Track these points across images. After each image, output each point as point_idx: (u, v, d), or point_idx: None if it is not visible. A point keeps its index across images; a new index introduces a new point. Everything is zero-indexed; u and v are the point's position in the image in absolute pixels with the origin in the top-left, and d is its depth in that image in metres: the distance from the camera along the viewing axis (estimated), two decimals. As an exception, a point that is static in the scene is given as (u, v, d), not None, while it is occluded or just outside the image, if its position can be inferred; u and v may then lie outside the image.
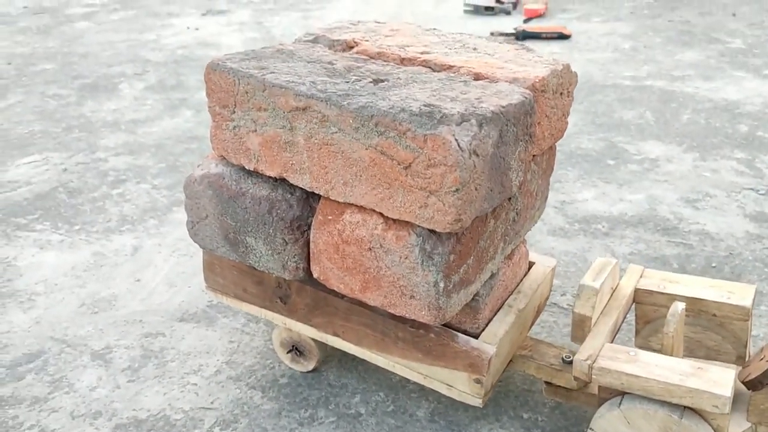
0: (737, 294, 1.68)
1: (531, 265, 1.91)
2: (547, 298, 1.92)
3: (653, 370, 1.44)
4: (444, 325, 1.66)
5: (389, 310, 1.50)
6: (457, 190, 1.31)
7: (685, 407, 1.43)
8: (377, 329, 1.71)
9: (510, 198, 1.62)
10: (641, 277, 1.79)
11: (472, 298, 1.62)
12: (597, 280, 1.63)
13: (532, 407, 1.82)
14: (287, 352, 1.94)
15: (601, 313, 1.65)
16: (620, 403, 1.47)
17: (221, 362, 2.00)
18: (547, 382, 1.74)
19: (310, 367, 1.93)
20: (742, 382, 1.51)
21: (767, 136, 3.34)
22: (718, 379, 1.40)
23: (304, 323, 1.81)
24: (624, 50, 4.79)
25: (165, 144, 3.45)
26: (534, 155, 1.66)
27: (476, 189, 1.37)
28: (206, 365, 2.00)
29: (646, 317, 1.76)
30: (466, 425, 1.77)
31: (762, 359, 1.51)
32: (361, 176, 1.43)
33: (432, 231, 1.42)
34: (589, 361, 1.48)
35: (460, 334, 1.64)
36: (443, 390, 1.68)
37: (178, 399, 1.88)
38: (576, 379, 1.48)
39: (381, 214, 1.46)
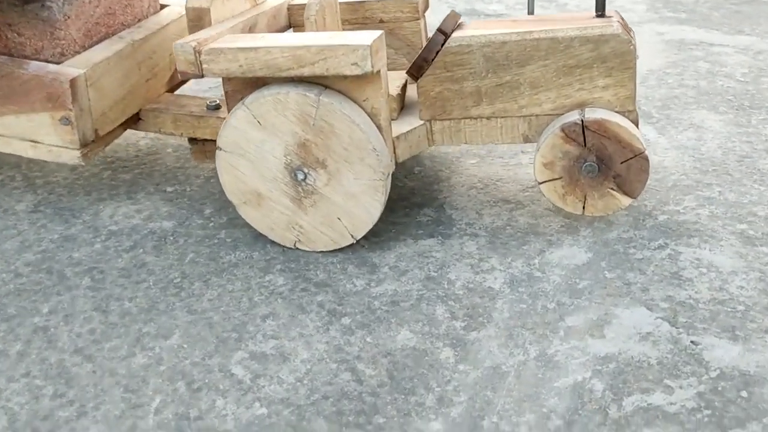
0: (405, -9, 1.39)
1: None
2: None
3: (280, 42, 1.08)
4: (13, 56, 1.18)
5: None
6: None
7: (325, 87, 1.10)
8: None
9: None
10: (298, -4, 1.44)
11: (43, 6, 1.16)
12: (218, -30, 1.25)
13: (182, 181, 1.40)
14: None
15: (235, 16, 1.28)
16: (245, 99, 1.11)
17: None
18: (191, 141, 1.34)
19: None
20: (407, 74, 1.22)
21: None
22: (359, 35, 1.08)
23: None
24: None
25: None
26: None
27: None
28: None
29: (308, 44, 1.42)
30: (84, 209, 1.31)
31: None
32: None
33: None
34: (195, 44, 1.09)
35: (30, 61, 1.16)
36: (29, 152, 1.20)
37: None
38: (183, 74, 1.08)
39: None
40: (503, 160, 1.44)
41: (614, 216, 1.21)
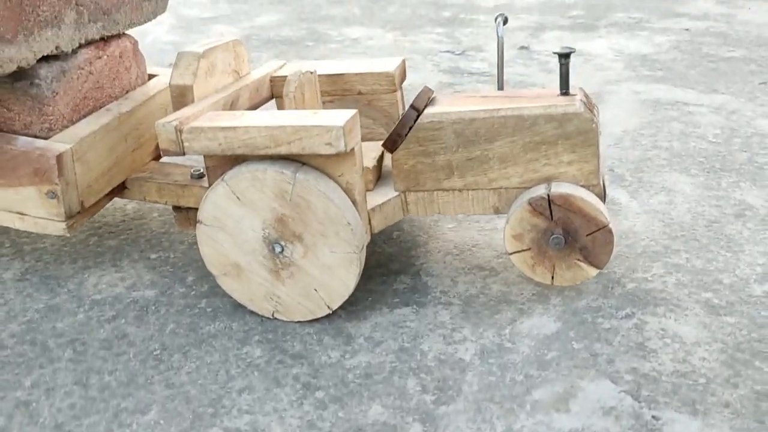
0: (382, 64, 1.44)
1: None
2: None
3: (258, 122, 1.13)
4: (2, 131, 1.21)
5: None
6: None
7: (302, 164, 1.14)
8: None
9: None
10: (281, 68, 1.49)
11: (32, 84, 1.20)
12: (201, 47, 1.29)
13: (166, 247, 1.44)
14: None
15: (217, 91, 1.32)
16: (225, 176, 1.14)
17: None
18: (176, 208, 1.37)
19: None
20: (382, 147, 1.26)
21: (468, 17, 3.31)
22: (333, 115, 1.12)
23: None
24: (341, -29, 4.65)
25: None
26: None
27: None
28: None
29: (290, 114, 1.47)
30: (69, 277, 1.34)
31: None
32: None
33: None
34: (176, 123, 1.13)
35: (18, 137, 1.20)
36: (15, 223, 1.23)
37: None
38: (165, 152, 1.12)
39: None
40: (479, 224, 1.48)
41: (584, 283, 1.25)
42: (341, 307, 1.20)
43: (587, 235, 1.14)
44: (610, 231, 1.13)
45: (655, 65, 2.52)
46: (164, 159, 1.60)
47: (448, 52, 2.75)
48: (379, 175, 1.29)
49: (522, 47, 2.79)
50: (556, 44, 2.86)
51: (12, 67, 1.12)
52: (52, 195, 1.18)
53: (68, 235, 1.21)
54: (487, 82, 2.40)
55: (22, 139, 1.18)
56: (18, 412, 1.01)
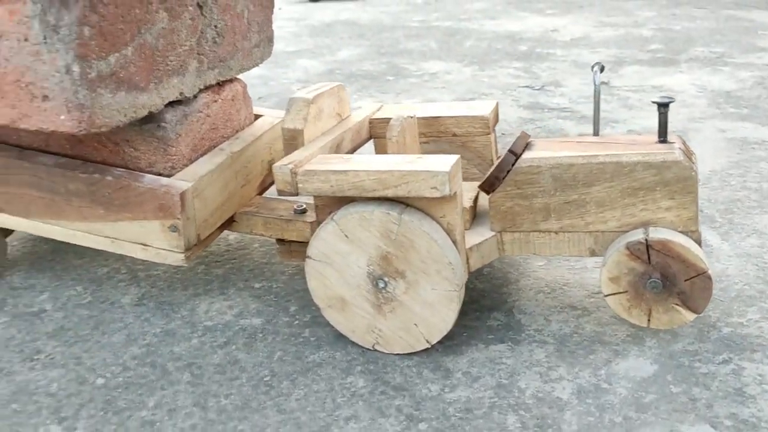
0: (476, 108, 1.49)
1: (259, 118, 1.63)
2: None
3: (367, 166, 1.19)
4: (129, 168, 1.33)
5: (21, 126, 1.15)
6: None
7: (406, 205, 1.20)
8: (43, 188, 1.33)
9: (202, 10, 1.31)
10: (379, 110, 1.56)
11: (159, 126, 1.31)
12: (310, 93, 1.37)
13: (268, 277, 1.52)
14: (-48, 254, 1.51)
15: (324, 134, 1.40)
16: (334, 215, 1.21)
17: None
18: (279, 241, 1.45)
19: (-13, 271, 1.52)
20: (479, 188, 1.31)
21: (545, 51, 3.35)
22: (438, 161, 1.18)
23: (-39, 204, 1.40)
24: (417, 4, 4.76)
25: None
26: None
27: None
28: None
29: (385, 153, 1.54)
30: (182, 303, 1.43)
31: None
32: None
33: None
34: (291, 166, 1.20)
35: (145, 174, 1.31)
36: (138, 253, 1.34)
37: None
38: (280, 192, 1.20)
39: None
40: (569, 263, 1.50)
41: (679, 326, 1.26)
42: (438, 342, 1.25)
43: (686, 281, 1.15)
44: (710, 277, 1.14)
45: (740, 102, 2.50)
46: (266, 194, 1.69)
47: (526, 87, 2.80)
48: (474, 215, 1.34)
49: (602, 82, 2.81)
50: (636, 79, 2.86)
51: (144, 113, 1.22)
52: (174, 228, 1.27)
53: (186, 265, 1.30)
54: (567, 118, 2.43)
55: (149, 176, 1.28)
56: (144, 430, 1.10)
